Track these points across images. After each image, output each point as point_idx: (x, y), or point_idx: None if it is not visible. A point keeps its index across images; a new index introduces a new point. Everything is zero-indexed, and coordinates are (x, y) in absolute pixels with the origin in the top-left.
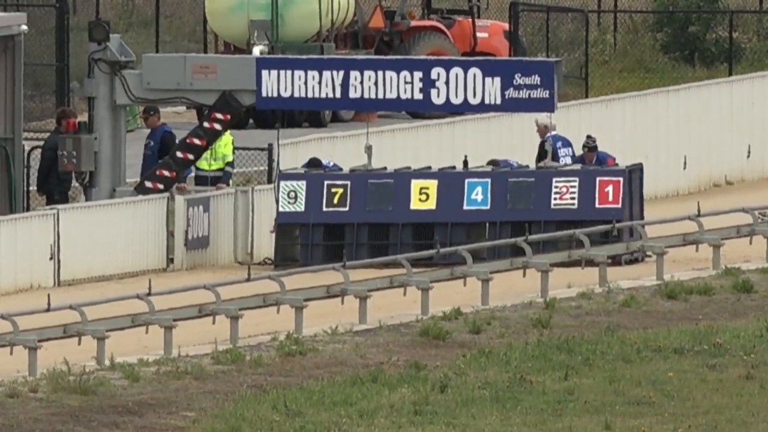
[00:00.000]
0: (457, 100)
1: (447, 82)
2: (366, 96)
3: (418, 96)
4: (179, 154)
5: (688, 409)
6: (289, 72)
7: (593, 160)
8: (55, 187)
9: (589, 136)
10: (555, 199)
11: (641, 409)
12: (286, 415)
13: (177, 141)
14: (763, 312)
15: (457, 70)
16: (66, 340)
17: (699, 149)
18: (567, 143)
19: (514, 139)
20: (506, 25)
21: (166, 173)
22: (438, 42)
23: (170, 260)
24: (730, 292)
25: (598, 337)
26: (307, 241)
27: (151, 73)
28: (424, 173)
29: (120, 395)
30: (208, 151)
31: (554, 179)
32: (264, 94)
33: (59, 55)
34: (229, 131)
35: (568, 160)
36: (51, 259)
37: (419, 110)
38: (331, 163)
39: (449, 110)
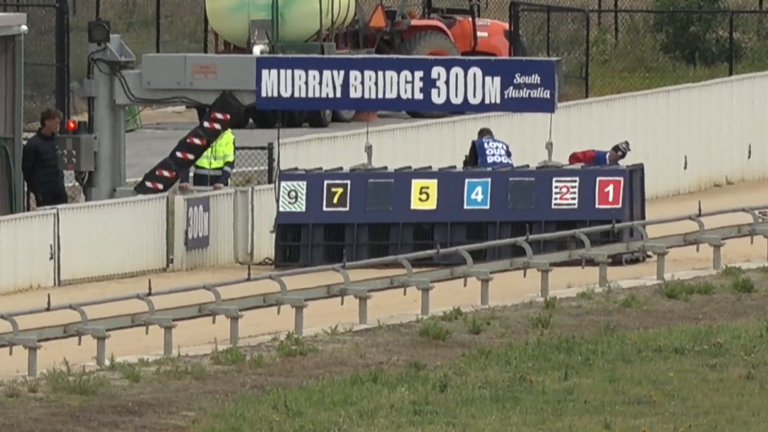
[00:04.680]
0: (457, 100)
1: (447, 82)
2: (366, 96)
3: (418, 96)
4: (179, 154)
5: (689, 408)
6: (289, 72)
7: (614, 161)
8: (38, 188)
9: (627, 143)
10: (555, 199)
11: (641, 408)
12: (286, 415)
13: None
14: (764, 312)
15: (457, 70)
16: (66, 340)
17: (699, 149)
18: None
19: (514, 139)
20: (506, 25)
21: (165, 173)
22: (438, 41)
23: (170, 260)
24: (731, 292)
25: (598, 337)
26: (308, 241)
27: (151, 73)
28: (424, 173)
29: (120, 395)
30: (209, 150)
31: (554, 179)
32: (264, 94)
33: (59, 55)
34: (230, 130)
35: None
36: (51, 259)
37: (419, 110)
38: None
39: (449, 110)
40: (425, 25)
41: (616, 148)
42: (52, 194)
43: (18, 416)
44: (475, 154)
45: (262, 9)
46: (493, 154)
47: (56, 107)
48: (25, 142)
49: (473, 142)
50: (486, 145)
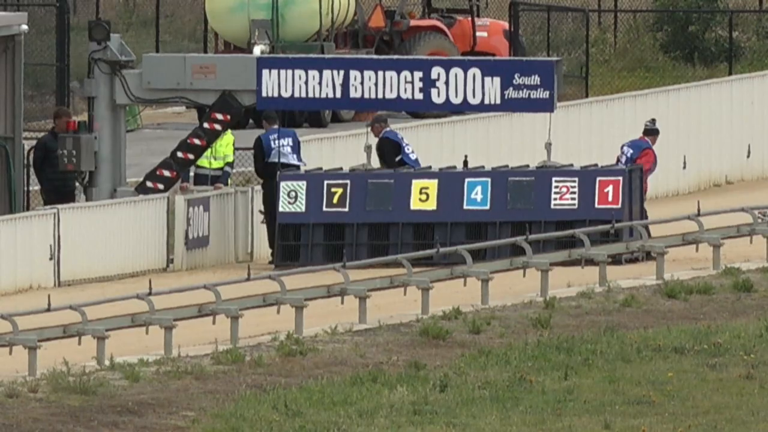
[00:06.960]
0: (457, 100)
1: (447, 82)
2: (366, 96)
3: (418, 96)
4: (179, 154)
5: (688, 408)
6: (289, 72)
7: (654, 141)
8: (51, 183)
9: (654, 120)
10: (555, 199)
11: (641, 408)
12: (286, 415)
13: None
14: (763, 311)
15: (456, 70)
16: (66, 340)
17: (699, 149)
18: None
19: (514, 139)
20: (506, 25)
21: (166, 173)
22: (438, 41)
23: (170, 260)
24: (730, 292)
25: (597, 337)
26: (308, 241)
27: (151, 73)
28: (424, 173)
29: (120, 395)
30: (210, 150)
31: (554, 179)
32: (264, 94)
33: (59, 55)
34: (230, 131)
35: None
36: (51, 259)
37: (419, 110)
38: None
39: (449, 110)
40: (425, 25)
41: (648, 131)
42: (56, 193)
43: (18, 416)
44: (396, 151)
45: (262, 9)
46: (408, 144)
47: (57, 107)
48: (24, 143)
49: (388, 139)
50: (400, 137)
